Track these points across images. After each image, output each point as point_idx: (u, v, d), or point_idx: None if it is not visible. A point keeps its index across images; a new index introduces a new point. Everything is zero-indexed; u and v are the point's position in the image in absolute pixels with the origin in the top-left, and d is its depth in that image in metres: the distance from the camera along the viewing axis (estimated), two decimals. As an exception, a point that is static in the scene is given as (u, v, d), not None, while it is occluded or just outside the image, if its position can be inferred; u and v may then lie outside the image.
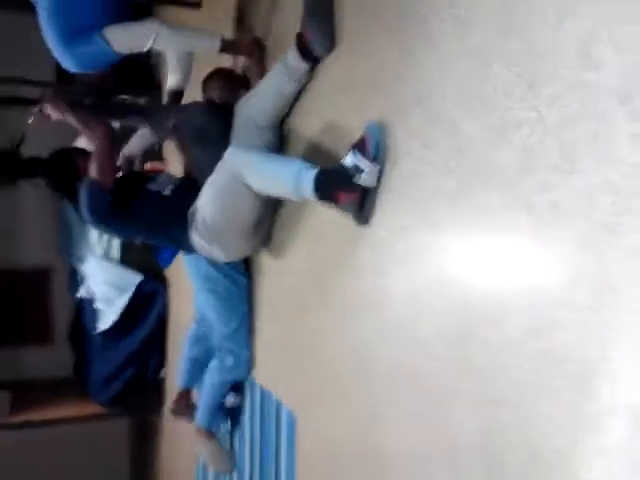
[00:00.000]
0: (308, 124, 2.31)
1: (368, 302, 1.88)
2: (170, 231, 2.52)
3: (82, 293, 5.37)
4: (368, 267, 1.88)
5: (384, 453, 1.78)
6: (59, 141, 2.75)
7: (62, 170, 2.59)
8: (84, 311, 5.49)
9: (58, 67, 2.84)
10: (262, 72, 2.71)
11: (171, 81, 2.96)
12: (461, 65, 1.44)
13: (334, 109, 2.11)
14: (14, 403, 5.67)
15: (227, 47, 2.67)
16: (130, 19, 2.59)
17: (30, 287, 6.51)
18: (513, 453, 1.27)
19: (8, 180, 2.70)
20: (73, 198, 2.55)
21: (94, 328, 5.24)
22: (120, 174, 2.73)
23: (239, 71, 3.00)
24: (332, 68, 2.13)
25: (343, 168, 1.82)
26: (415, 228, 1.62)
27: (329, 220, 2.11)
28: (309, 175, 1.93)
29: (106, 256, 5.16)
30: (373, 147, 1.75)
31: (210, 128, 2.56)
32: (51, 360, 6.23)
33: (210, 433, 3.15)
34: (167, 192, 2.54)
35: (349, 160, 1.80)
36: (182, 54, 2.87)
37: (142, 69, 4.94)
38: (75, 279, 5.63)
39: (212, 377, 3.00)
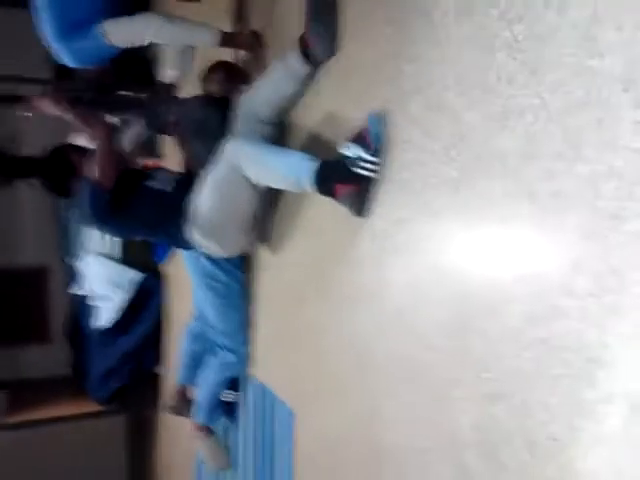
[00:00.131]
0: (309, 115, 2.31)
1: (366, 295, 1.87)
2: (169, 228, 2.51)
3: (80, 291, 5.37)
4: (367, 259, 1.87)
5: (382, 446, 1.77)
6: (54, 139, 2.71)
7: (57, 169, 2.55)
8: (82, 309, 5.49)
9: (56, 64, 2.83)
10: (262, 65, 2.71)
11: (168, 74, 2.95)
12: (463, 54, 1.43)
13: (335, 100, 2.10)
14: (12, 402, 5.67)
15: (226, 40, 2.66)
16: (128, 13, 2.58)
17: (28, 286, 6.52)
18: (510, 442, 1.26)
19: (3, 181, 2.66)
20: (67, 198, 2.54)
21: (92, 326, 5.24)
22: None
23: (239, 64, 2.99)
24: (333, 59, 2.12)
25: (343, 159, 1.81)
26: (416, 219, 1.62)
27: (328, 213, 2.10)
28: (309, 167, 1.92)
29: (103, 254, 5.16)
30: (373, 138, 1.75)
31: (210, 122, 2.55)
32: (49, 359, 6.23)
33: (208, 429, 3.14)
34: (167, 188, 2.53)
35: (349, 151, 1.79)
36: (181, 48, 2.86)
37: (141, 63, 4.93)
38: (73, 277, 5.63)
39: (210, 373, 2.99)
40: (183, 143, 2.97)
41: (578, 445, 1.10)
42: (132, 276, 4.99)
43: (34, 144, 2.70)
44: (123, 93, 3.65)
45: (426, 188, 1.56)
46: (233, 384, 3.09)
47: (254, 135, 2.37)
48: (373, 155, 1.76)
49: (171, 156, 3.99)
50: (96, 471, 5.92)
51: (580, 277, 1.10)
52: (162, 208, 2.49)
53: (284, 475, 2.55)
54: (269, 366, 2.77)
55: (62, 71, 2.93)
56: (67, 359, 6.05)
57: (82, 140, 2.97)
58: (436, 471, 1.52)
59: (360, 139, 1.78)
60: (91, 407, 5.64)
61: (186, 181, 2.57)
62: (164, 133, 3.04)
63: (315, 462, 2.28)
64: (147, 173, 2.66)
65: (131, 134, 2.93)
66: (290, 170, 1.99)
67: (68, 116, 2.47)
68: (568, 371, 1.12)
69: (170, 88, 2.97)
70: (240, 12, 3.07)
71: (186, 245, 2.57)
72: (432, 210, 1.54)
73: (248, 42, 2.71)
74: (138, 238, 3.39)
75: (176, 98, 2.99)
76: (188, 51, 2.89)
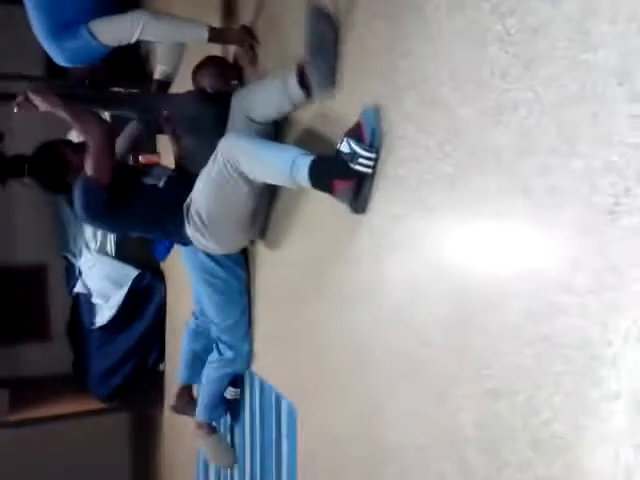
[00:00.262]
0: (303, 110, 2.29)
1: (365, 291, 1.86)
2: (166, 224, 2.50)
3: (79, 288, 5.36)
4: (365, 256, 1.86)
5: (384, 443, 1.77)
6: (49, 136, 2.66)
7: (50, 166, 2.49)
8: (81, 306, 5.48)
9: (48, 61, 2.81)
10: (254, 60, 2.69)
11: (159, 70, 2.93)
12: (455, 49, 1.42)
13: (329, 95, 2.08)
14: (13, 400, 5.66)
15: (216, 36, 2.64)
16: (117, 11, 2.55)
17: (27, 284, 6.50)
18: (513, 439, 1.26)
19: None
20: (66, 194, 2.50)
21: (92, 323, 5.23)
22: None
23: (230, 59, 2.97)
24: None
25: (339, 155, 1.80)
26: (412, 215, 1.61)
27: (325, 209, 2.09)
28: (304, 162, 1.91)
29: (102, 251, 5.15)
30: (369, 133, 1.73)
31: (203, 117, 2.53)
32: (49, 356, 6.22)
33: (210, 427, 3.14)
34: (159, 184, 2.51)
35: (345, 147, 1.78)
36: (171, 44, 2.84)
37: (133, 60, 4.90)
38: (72, 275, 5.62)
39: (211, 371, 2.98)
40: (176, 139, 2.95)
41: (583, 443, 1.09)
42: (130, 272, 4.98)
43: (30, 142, 2.65)
44: (116, 89, 3.63)
45: (421, 184, 1.55)
46: (235, 381, 3.08)
47: (248, 132, 2.35)
48: (369, 150, 1.74)
49: (167, 153, 3.97)
50: (99, 469, 5.93)
51: (579, 273, 1.09)
52: (159, 205, 2.47)
53: (288, 471, 2.55)
54: (269, 362, 2.77)
55: (54, 69, 2.91)
56: (67, 357, 6.05)
57: (77, 137, 2.93)
58: (438, 468, 1.51)
59: (356, 134, 1.76)
60: (93, 405, 5.63)
61: (178, 177, 2.55)
62: (159, 132, 3.01)
63: (317, 458, 2.28)
64: (144, 170, 2.64)
65: (125, 135, 2.91)
66: (285, 165, 1.97)
67: (60, 112, 2.41)
68: (571, 368, 1.11)
69: (163, 84, 2.94)
70: (230, 7, 3.04)
71: (184, 241, 2.55)
72: (428, 206, 1.53)
73: (238, 37, 2.69)
74: (134, 234, 3.37)
75: (169, 94, 2.97)
76: (178, 47, 2.86)
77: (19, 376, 6.19)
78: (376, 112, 1.74)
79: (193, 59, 2.83)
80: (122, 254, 5.06)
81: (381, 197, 1.76)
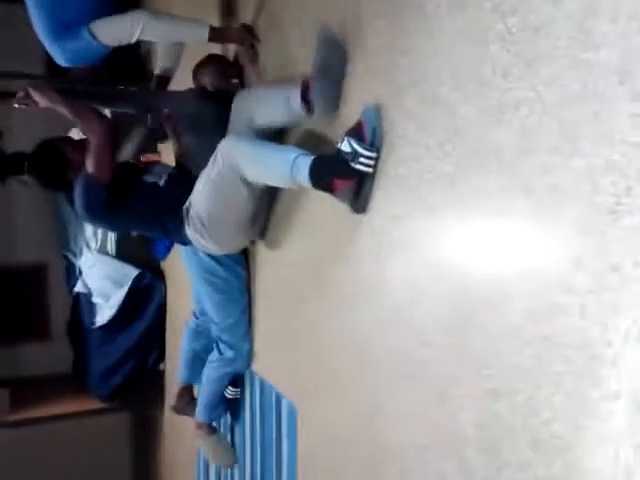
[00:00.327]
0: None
1: (365, 291, 1.86)
2: (166, 223, 2.49)
3: (79, 288, 5.36)
4: (365, 255, 1.86)
5: (384, 443, 1.77)
6: (50, 133, 2.65)
7: (50, 164, 2.49)
8: (82, 306, 5.48)
9: (49, 60, 2.81)
10: (255, 58, 2.68)
11: (159, 67, 2.93)
12: (457, 47, 1.42)
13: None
14: (13, 400, 5.66)
15: (216, 35, 2.63)
16: (117, 11, 2.55)
17: (27, 283, 6.49)
18: (513, 439, 1.26)
19: None
20: (66, 192, 2.50)
21: (92, 323, 5.23)
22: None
23: (230, 58, 2.96)
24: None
25: (340, 154, 1.79)
26: (412, 214, 1.60)
27: (325, 209, 2.09)
28: (305, 162, 1.90)
29: (102, 250, 5.15)
30: (370, 132, 1.73)
31: (203, 115, 2.53)
32: (49, 356, 6.22)
33: (210, 428, 3.14)
34: (160, 182, 2.51)
35: (345, 146, 1.77)
36: (170, 44, 2.84)
37: (133, 59, 4.89)
38: (72, 274, 5.61)
39: (211, 370, 2.98)
40: (177, 136, 2.94)
41: (583, 443, 1.08)
42: (130, 271, 4.98)
43: (30, 140, 2.63)
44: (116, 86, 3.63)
45: (422, 183, 1.55)
46: (235, 380, 3.08)
47: (248, 135, 2.34)
48: (370, 149, 1.74)
49: (167, 151, 3.97)
50: (99, 469, 5.92)
51: (579, 273, 1.09)
52: (159, 203, 2.47)
53: (288, 471, 2.55)
54: (269, 362, 2.76)
55: (55, 68, 2.90)
56: (68, 356, 6.05)
57: (78, 134, 2.93)
58: (438, 468, 1.51)
59: (357, 133, 1.76)
60: (93, 404, 5.63)
61: (179, 176, 2.55)
62: (164, 137, 3.00)
63: (317, 458, 2.27)
64: (144, 168, 2.63)
65: (132, 142, 2.90)
66: (286, 165, 1.97)
67: (60, 109, 2.40)
68: (571, 368, 1.11)
69: (162, 80, 2.94)
70: (230, 6, 3.04)
71: (184, 240, 2.55)
72: (428, 205, 1.53)
73: (239, 36, 2.68)
74: (135, 233, 3.36)
75: (170, 91, 2.96)
76: (178, 46, 2.86)
77: (19, 376, 6.18)
78: (377, 111, 1.74)
79: (193, 57, 2.83)
80: (122, 253, 5.06)
81: (381, 196, 1.76)
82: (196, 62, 2.81)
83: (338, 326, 2.04)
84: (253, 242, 2.76)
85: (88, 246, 5.27)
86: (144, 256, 4.94)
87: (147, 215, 2.50)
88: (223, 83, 2.70)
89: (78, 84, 2.79)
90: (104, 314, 5.09)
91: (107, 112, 3.27)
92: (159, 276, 4.98)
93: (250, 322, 2.89)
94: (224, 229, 2.42)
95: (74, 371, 5.89)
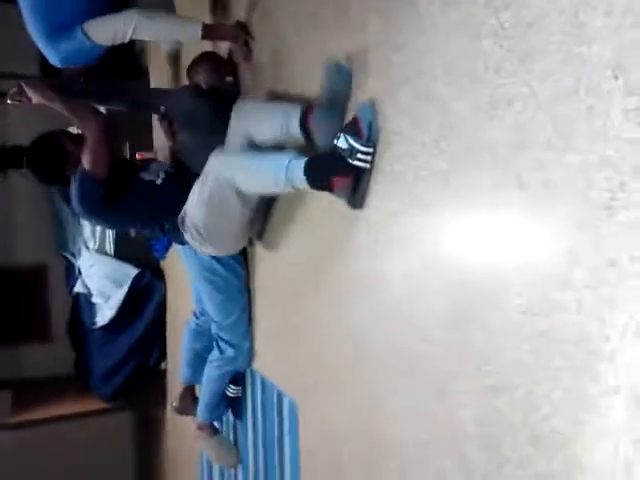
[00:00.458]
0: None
1: (363, 287, 1.86)
2: (164, 223, 2.50)
3: (79, 288, 5.36)
4: (362, 252, 1.85)
5: (383, 439, 1.77)
6: (51, 126, 2.63)
7: (49, 157, 2.48)
8: (82, 306, 5.49)
9: (43, 60, 2.80)
10: (248, 56, 2.67)
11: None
12: (450, 43, 1.41)
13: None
14: (15, 402, 5.67)
15: (210, 33, 2.63)
16: (111, 11, 2.55)
17: (27, 284, 6.50)
18: (513, 435, 1.25)
19: None
20: (63, 186, 2.49)
21: (93, 323, 5.23)
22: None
23: (223, 55, 2.95)
24: (320, 49, 2.08)
25: (336, 151, 1.79)
26: (408, 211, 1.60)
27: (323, 206, 2.09)
28: (299, 164, 1.90)
29: (101, 250, 5.15)
30: (366, 127, 1.72)
31: (198, 113, 2.53)
32: (51, 357, 6.22)
33: (212, 429, 3.14)
34: (157, 180, 2.50)
35: (342, 142, 1.77)
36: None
37: (127, 57, 4.88)
38: (72, 274, 5.62)
39: (212, 369, 2.98)
40: (172, 134, 2.94)
41: (583, 439, 1.08)
42: (129, 271, 4.98)
43: (28, 137, 2.63)
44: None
45: (417, 180, 1.55)
46: (235, 379, 3.08)
47: (243, 148, 2.29)
48: (367, 145, 1.73)
49: (163, 149, 3.97)
50: (103, 469, 5.93)
51: (575, 268, 1.08)
52: (155, 201, 2.47)
53: (291, 467, 2.55)
54: (270, 360, 2.76)
55: (48, 68, 2.90)
56: (69, 357, 6.05)
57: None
58: (438, 464, 1.51)
59: (353, 129, 1.75)
60: (96, 405, 5.64)
61: (176, 174, 2.55)
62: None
63: (318, 454, 2.28)
64: (140, 165, 2.63)
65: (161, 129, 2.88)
66: (280, 171, 1.96)
67: (55, 106, 2.40)
68: (569, 364, 1.10)
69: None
70: (223, 2, 3.03)
71: (182, 241, 2.55)
72: (424, 202, 1.53)
73: (233, 33, 2.68)
74: (133, 232, 3.36)
75: (164, 89, 2.96)
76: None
77: (21, 377, 6.19)
78: (372, 106, 1.73)
79: (187, 55, 2.83)
80: (121, 253, 5.07)
81: (378, 193, 1.75)
82: (190, 60, 2.81)
83: (337, 322, 2.04)
84: (251, 241, 2.76)
85: (87, 246, 5.27)
86: (143, 255, 4.94)
87: (144, 213, 2.50)
88: (217, 81, 2.70)
89: (72, 83, 2.79)
90: (104, 314, 5.10)
91: (102, 109, 3.27)
92: (159, 275, 4.98)
93: (250, 320, 2.89)
94: (221, 237, 2.44)
95: (76, 372, 5.90)
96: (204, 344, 3.10)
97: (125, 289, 4.90)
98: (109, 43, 2.57)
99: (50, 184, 2.62)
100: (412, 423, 1.62)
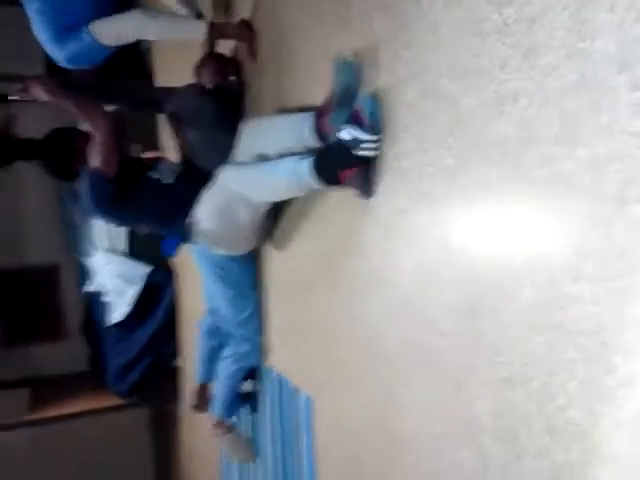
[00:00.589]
0: (304, 103, 2.28)
1: (375, 282, 1.87)
2: (175, 223, 2.51)
3: (92, 287, 5.40)
4: (373, 247, 1.86)
5: (398, 433, 1.78)
6: (58, 124, 2.63)
7: (59, 152, 2.50)
8: (95, 305, 5.52)
9: (49, 62, 2.82)
10: (254, 53, 2.68)
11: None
12: (454, 39, 1.41)
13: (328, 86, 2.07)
14: (33, 400, 5.73)
15: (214, 32, 2.64)
16: (116, 11, 2.56)
17: (40, 284, 6.55)
18: (529, 427, 1.27)
19: (1, 162, 2.59)
20: (72, 181, 2.51)
21: (107, 321, 5.27)
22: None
23: (227, 55, 2.96)
24: (324, 46, 2.09)
25: (341, 143, 1.80)
26: (416, 207, 1.61)
27: (332, 202, 2.10)
28: (306, 165, 1.92)
29: (113, 249, 5.18)
30: (368, 116, 1.73)
31: (203, 111, 2.55)
32: (66, 355, 6.28)
33: (228, 425, 3.16)
34: (168, 180, 2.52)
35: (345, 134, 1.78)
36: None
37: (133, 57, 4.90)
38: (84, 274, 5.65)
39: (226, 366, 3.00)
40: (179, 133, 2.96)
41: (599, 430, 1.09)
42: (141, 269, 5.01)
43: (43, 125, 2.64)
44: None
45: (425, 176, 1.55)
46: (250, 374, 3.10)
47: (252, 160, 2.31)
48: (371, 133, 1.74)
49: (171, 148, 3.98)
50: (120, 464, 6.00)
51: (588, 261, 1.09)
52: (165, 201, 2.48)
53: (307, 462, 2.57)
54: (284, 355, 2.78)
55: (55, 69, 2.92)
56: (84, 355, 6.11)
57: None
58: (454, 456, 1.52)
59: (355, 120, 1.76)
60: (112, 401, 5.70)
61: (185, 174, 2.56)
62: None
63: (334, 449, 2.30)
64: (150, 164, 2.65)
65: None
66: (290, 176, 1.99)
67: (63, 103, 2.39)
68: (584, 355, 1.11)
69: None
70: (227, 1, 3.03)
71: (192, 240, 2.57)
72: (432, 198, 1.53)
73: (237, 32, 2.69)
74: (144, 229, 3.36)
75: (170, 87, 2.97)
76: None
77: (38, 375, 6.26)
78: (374, 97, 1.74)
79: (193, 55, 2.83)
80: (133, 251, 5.10)
81: (386, 189, 1.76)
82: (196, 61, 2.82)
83: (349, 317, 2.05)
84: (262, 240, 2.78)
85: (99, 245, 5.30)
86: (155, 253, 4.95)
87: (154, 212, 2.51)
88: (221, 81, 2.72)
89: (78, 81, 2.80)
90: (118, 312, 5.14)
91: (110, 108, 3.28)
92: (170, 272, 5.01)
93: (262, 316, 2.91)
94: (232, 242, 2.53)
95: (91, 369, 5.95)
96: (218, 342, 3.12)
97: (138, 287, 4.94)
98: (115, 43, 2.59)
99: (58, 178, 2.62)
100: (427, 416, 1.63)
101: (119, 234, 5.11)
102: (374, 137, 1.74)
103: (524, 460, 1.29)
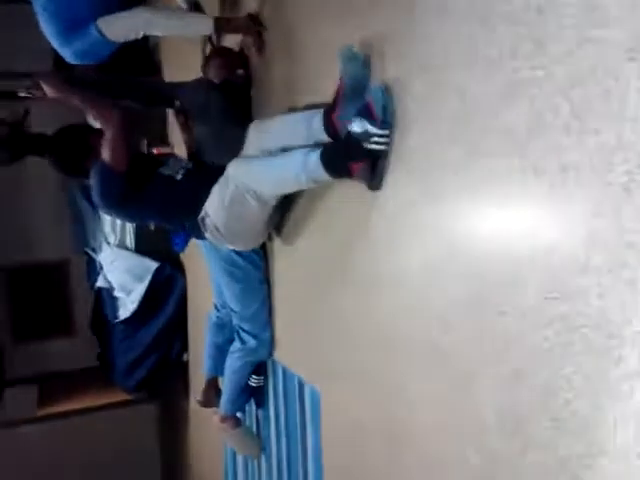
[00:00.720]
0: (312, 94, 2.28)
1: (381, 276, 1.86)
2: (184, 219, 2.51)
3: (101, 283, 5.41)
4: (381, 241, 1.86)
5: (405, 427, 1.78)
6: (67, 121, 2.62)
7: (71, 148, 2.49)
8: (104, 301, 5.53)
9: (56, 58, 2.82)
10: (261, 47, 2.67)
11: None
12: (463, 29, 1.40)
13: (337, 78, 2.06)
14: (41, 395, 5.75)
15: (221, 26, 2.63)
16: (123, 8, 2.57)
17: (50, 280, 6.58)
18: (535, 420, 1.26)
19: (13, 157, 2.59)
20: (83, 178, 2.51)
21: (115, 317, 5.28)
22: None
23: (235, 49, 2.96)
24: (332, 37, 2.08)
25: (352, 136, 1.79)
26: (424, 199, 1.60)
27: (340, 196, 2.09)
28: (315, 158, 1.91)
29: (122, 245, 5.18)
30: (379, 110, 1.72)
31: (211, 105, 2.55)
32: (74, 351, 6.30)
33: (234, 420, 3.15)
34: (177, 176, 2.52)
35: (356, 127, 1.77)
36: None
37: (142, 53, 4.91)
38: (93, 270, 5.67)
39: (234, 360, 3.00)
40: (188, 127, 2.96)
41: (605, 422, 1.08)
42: (150, 265, 5.01)
43: (55, 121, 2.64)
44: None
45: (432, 168, 1.54)
46: (257, 369, 3.10)
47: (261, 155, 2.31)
48: (381, 127, 1.73)
49: (180, 144, 3.98)
50: (128, 458, 6.02)
51: (595, 252, 1.08)
52: (175, 197, 2.48)
53: (313, 455, 2.57)
54: (292, 349, 2.78)
55: (62, 66, 2.92)
56: (92, 350, 6.13)
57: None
58: (460, 450, 1.51)
59: (366, 113, 1.75)
60: (120, 397, 5.72)
61: (195, 170, 2.56)
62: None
63: (341, 442, 2.29)
64: (160, 160, 2.64)
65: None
66: (299, 169, 1.98)
67: (73, 100, 2.40)
68: (590, 348, 1.10)
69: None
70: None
71: (201, 236, 2.57)
72: (440, 190, 1.52)
73: (244, 26, 2.68)
74: (153, 225, 3.37)
75: (178, 82, 2.97)
76: None
77: (46, 371, 6.28)
78: (384, 89, 1.72)
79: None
80: (142, 247, 5.10)
81: (395, 181, 1.75)
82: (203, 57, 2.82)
83: (356, 311, 2.05)
84: (270, 235, 2.77)
85: (107, 241, 5.31)
86: (163, 249, 4.96)
87: (164, 208, 2.51)
88: (227, 75, 2.72)
89: (87, 77, 2.81)
90: (126, 308, 5.14)
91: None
92: (179, 268, 5.02)
93: (270, 310, 2.90)
94: (241, 235, 2.51)
95: (100, 365, 5.97)
96: (226, 336, 3.12)
97: (146, 283, 4.94)
98: (123, 39, 2.60)
99: (68, 174, 2.63)
100: (434, 410, 1.62)
101: (128, 230, 5.12)
102: (385, 131, 1.73)
103: (529, 454, 1.28)
